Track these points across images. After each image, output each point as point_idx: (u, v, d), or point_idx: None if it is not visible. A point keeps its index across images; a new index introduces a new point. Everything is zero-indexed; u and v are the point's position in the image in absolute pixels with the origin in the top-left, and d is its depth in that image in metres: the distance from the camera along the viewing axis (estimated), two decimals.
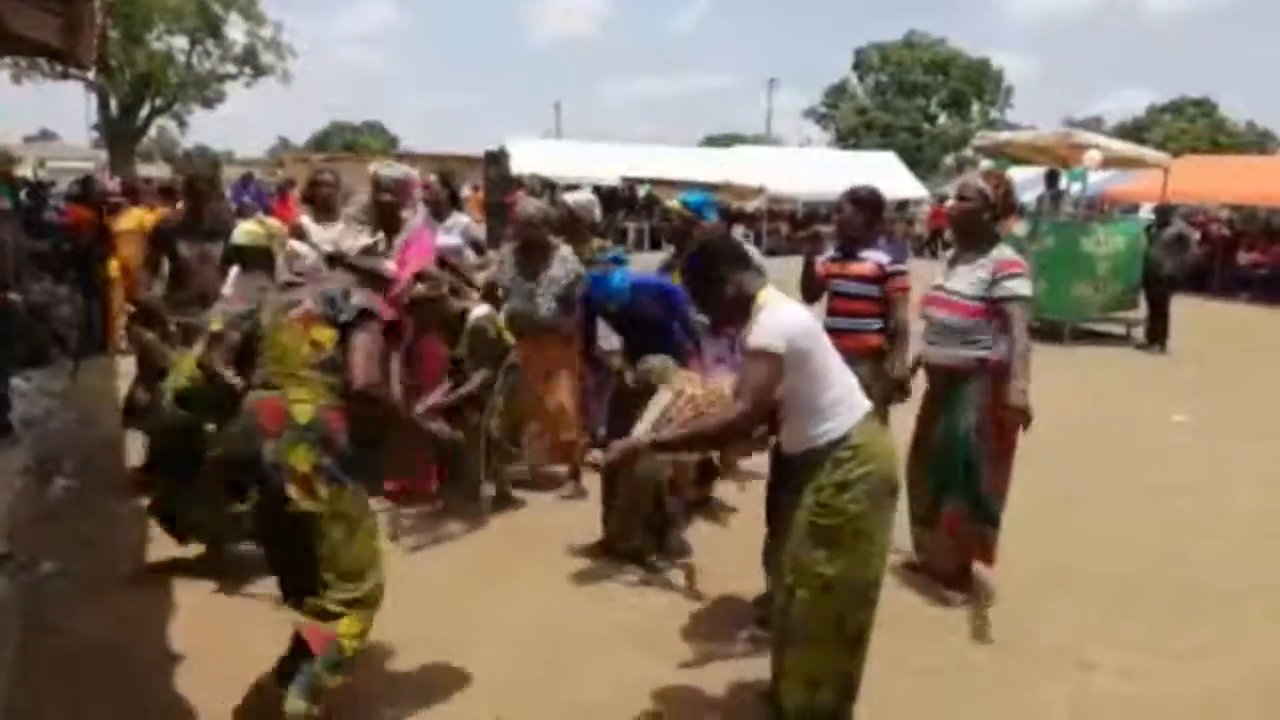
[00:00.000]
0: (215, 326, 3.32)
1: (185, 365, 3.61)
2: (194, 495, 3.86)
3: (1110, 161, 12.72)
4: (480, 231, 6.53)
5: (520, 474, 5.35)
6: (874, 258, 4.12)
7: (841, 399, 2.78)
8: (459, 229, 5.84)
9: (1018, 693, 3.35)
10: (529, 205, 5.42)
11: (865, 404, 2.83)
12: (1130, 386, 9.21)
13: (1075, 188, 12.53)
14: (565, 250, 5.12)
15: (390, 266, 3.33)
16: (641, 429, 3.00)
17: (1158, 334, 11.23)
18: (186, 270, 4.84)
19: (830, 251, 4.25)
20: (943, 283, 4.06)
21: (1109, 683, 3.44)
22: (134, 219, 8.49)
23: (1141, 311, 11.69)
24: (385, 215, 4.68)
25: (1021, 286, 3.84)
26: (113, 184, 10.28)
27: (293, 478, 2.71)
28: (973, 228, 4.04)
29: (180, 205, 5.71)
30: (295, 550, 2.79)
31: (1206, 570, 4.45)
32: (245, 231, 4.19)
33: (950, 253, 4.32)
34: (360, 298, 2.92)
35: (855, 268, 4.10)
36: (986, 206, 3.99)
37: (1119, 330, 12.03)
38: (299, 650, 2.80)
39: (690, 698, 3.24)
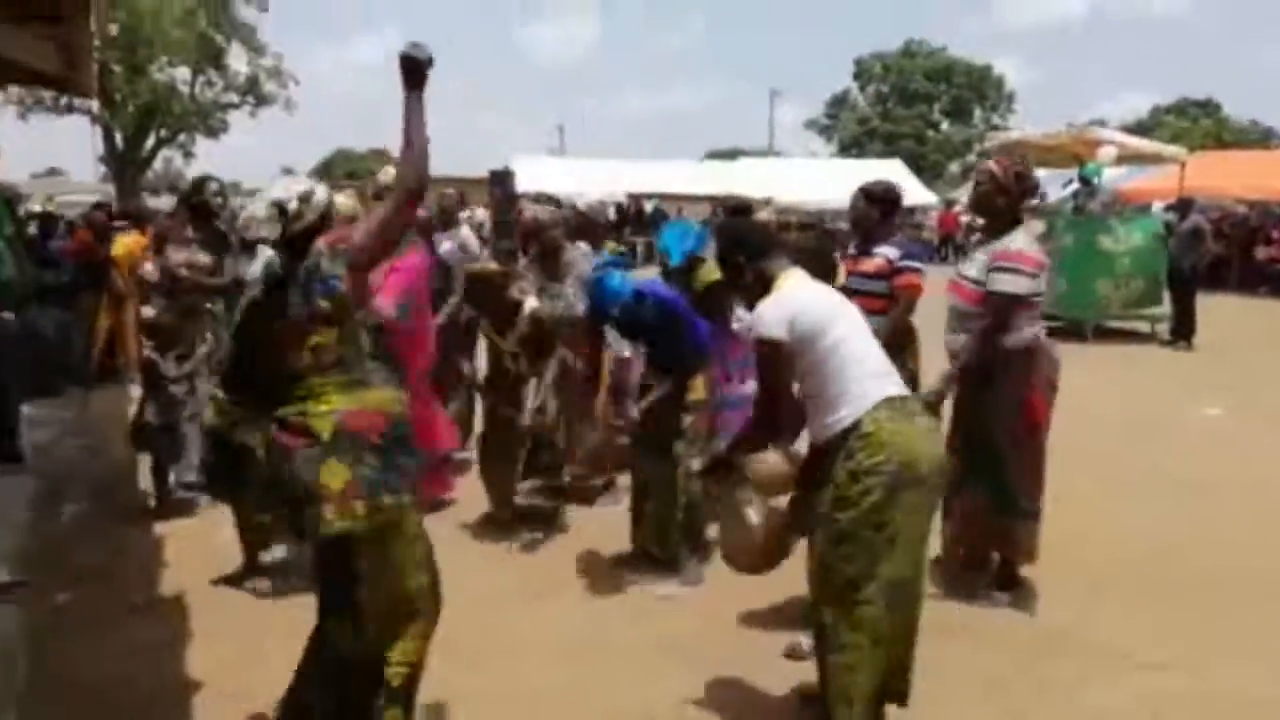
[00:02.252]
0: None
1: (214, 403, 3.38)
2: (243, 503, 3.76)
3: (1125, 157, 12.56)
4: (473, 244, 6.49)
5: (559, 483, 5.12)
6: (883, 253, 4.00)
7: (852, 386, 2.61)
8: (459, 240, 5.88)
9: (1090, 696, 3.19)
10: (537, 210, 5.30)
11: (883, 391, 2.63)
12: (1159, 382, 9.02)
13: (1093, 182, 12.36)
14: (583, 247, 5.03)
15: None
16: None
17: (1183, 330, 11.04)
18: (172, 276, 4.70)
19: (850, 249, 4.17)
20: (962, 269, 3.95)
21: (1181, 682, 3.27)
22: (122, 246, 8.34)
23: (1166, 308, 11.51)
24: None
25: (1006, 283, 3.66)
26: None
27: (328, 496, 2.41)
28: (989, 211, 3.91)
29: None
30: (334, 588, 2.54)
31: (1255, 563, 4.28)
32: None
33: (975, 238, 4.20)
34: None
35: (866, 263, 4.00)
36: (998, 188, 3.83)
37: (1143, 328, 11.85)
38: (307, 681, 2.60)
39: (725, 711, 3.10)
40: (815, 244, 4.46)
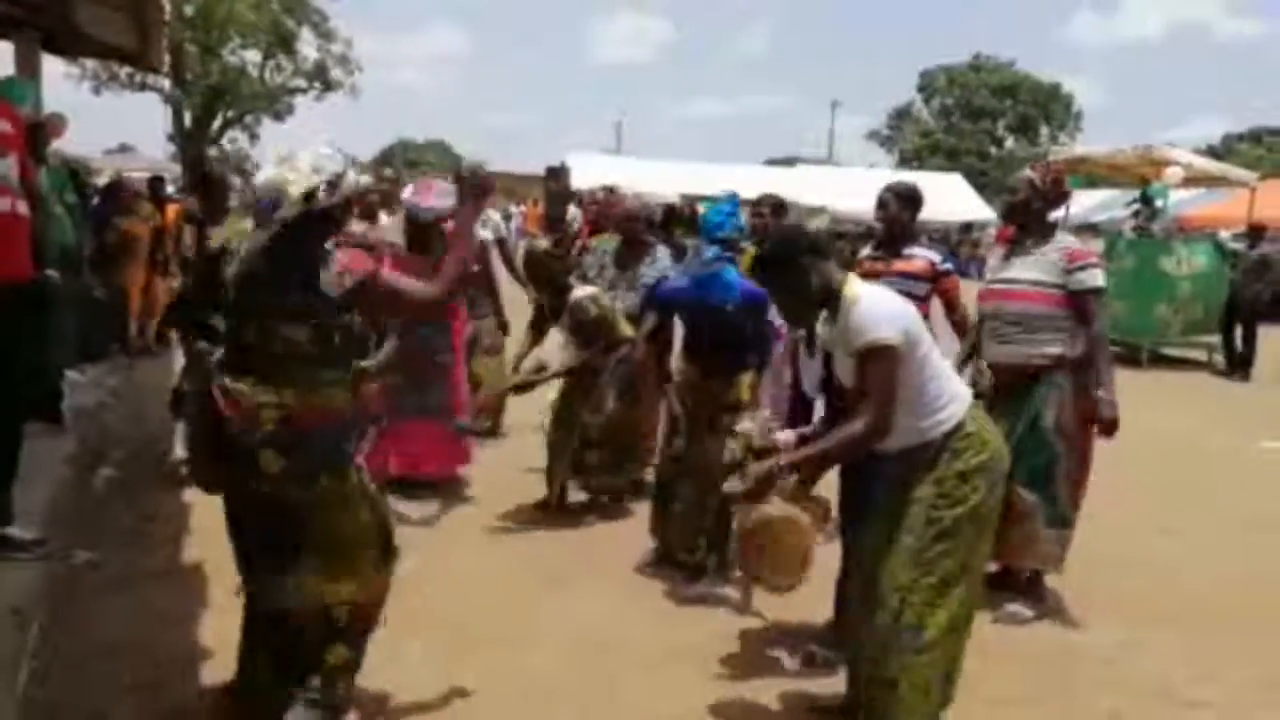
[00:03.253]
0: None
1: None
2: None
3: (1191, 180, 12.17)
4: (505, 229, 6.89)
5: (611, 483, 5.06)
6: (925, 255, 3.98)
7: (948, 386, 2.62)
8: (489, 225, 6.10)
9: None
10: (631, 201, 5.27)
11: (968, 390, 2.71)
12: (1216, 412, 8.73)
13: (1157, 205, 12.02)
14: (663, 253, 5.03)
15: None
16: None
17: (1241, 360, 10.66)
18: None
19: (867, 250, 4.11)
20: (1002, 274, 3.84)
21: None
22: (172, 213, 8.49)
23: (1215, 337, 11.15)
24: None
25: (1096, 278, 3.64)
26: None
27: (265, 473, 2.44)
28: (1026, 218, 3.83)
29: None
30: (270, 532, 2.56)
31: None
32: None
33: (998, 248, 4.10)
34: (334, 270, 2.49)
35: (901, 265, 3.92)
36: (1036, 195, 3.78)
37: (1199, 355, 11.47)
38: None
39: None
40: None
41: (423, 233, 4.93)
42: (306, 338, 2.45)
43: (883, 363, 2.49)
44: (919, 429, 2.58)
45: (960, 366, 4.05)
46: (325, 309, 2.46)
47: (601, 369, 4.66)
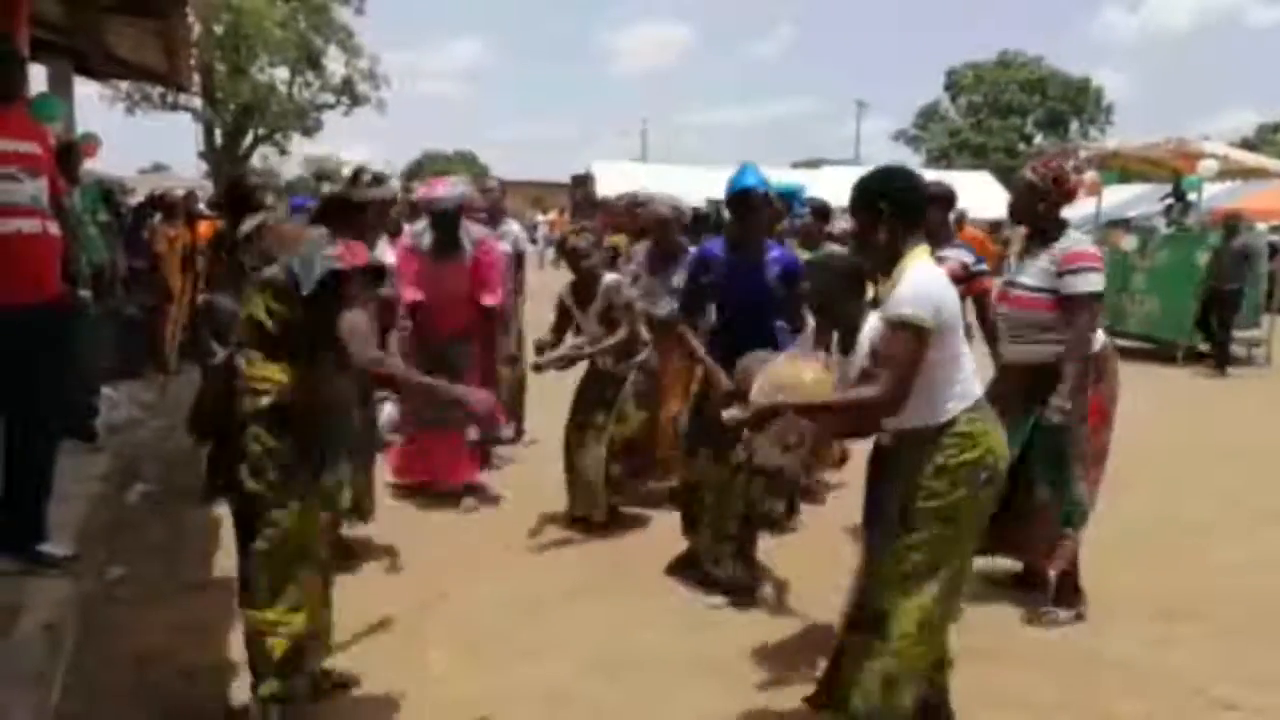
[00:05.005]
0: None
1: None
2: None
3: (1228, 172, 11.93)
4: (525, 242, 6.87)
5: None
6: (957, 256, 3.92)
7: (957, 384, 2.55)
8: (510, 237, 6.15)
9: None
10: (663, 206, 5.28)
11: (977, 392, 2.61)
12: (1254, 408, 8.54)
13: (1190, 199, 11.81)
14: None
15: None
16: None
17: (1219, 355, 10.35)
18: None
19: None
20: (1013, 277, 3.79)
21: None
22: (204, 229, 8.59)
23: (1263, 331, 10.91)
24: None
25: (1083, 283, 3.53)
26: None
27: (246, 456, 2.63)
28: (1029, 218, 3.76)
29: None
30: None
31: None
32: None
33: (1018, 248, 4.02)
34: (326, 259, 2.64)
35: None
36: (1036, 195, 3.69)
37: (1238, 350, 11.25)
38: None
39: None
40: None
41: (450, 228, 4.95)
42: (285, 314, 2.64)
43: (908, 339, 2.44)
44: (918, 416, 2.53)
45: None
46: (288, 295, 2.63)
47: (624, 378, 4.66)
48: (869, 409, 2.54)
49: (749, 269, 3.92)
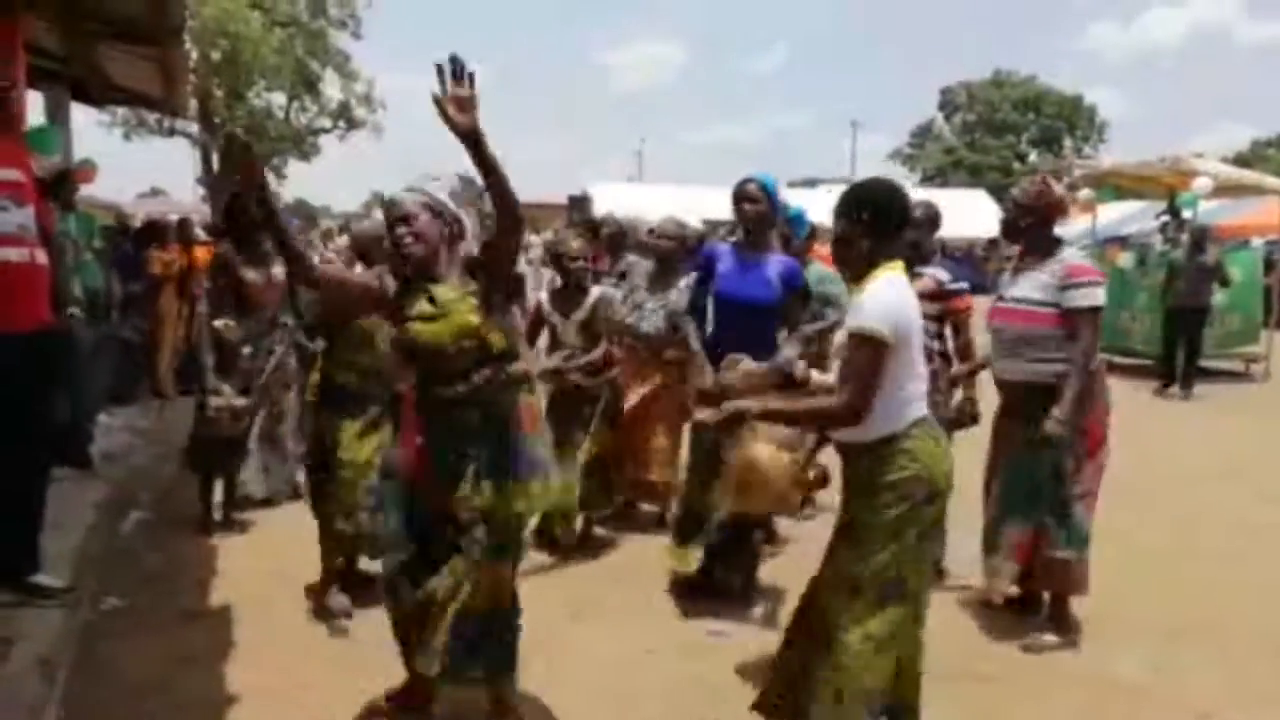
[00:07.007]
0: None
1: None
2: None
3: (1223, 189, 11.95)
4: (522, 264, 6.72)
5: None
6: (932, 274, 3.96)
7: (904, 399, 2.53)
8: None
9: None
10: (670, 224, 5.28)
11: (921, 410, 2.58)
12: (1254, 425, 8.52)
13: (1185, 216, 11.83)
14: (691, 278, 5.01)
15: None
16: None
17: (1184, 375, 9.99)
18: (255, 296, 4.77)
19: None
20: (1006, 292, 3.77)
21: None
22: (202, 255, 8.54)
23: (1262, 347, 10.90)
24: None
25: (1088, 297, 3.54)
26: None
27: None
28: (1021, 236, 3.77)
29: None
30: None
31: None
32: None
33: (1010, 263, 4.01)
34: None
35: (914, 284, 3.87)
36: (1023, 212, 3.71)
37: (1236, 367, 11.25)
38: None
39: None
40: None
41: None
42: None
43: (866, 350, 2.46)
44: (862, 429, 2.52)
45: (950, 388, 4.09)
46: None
47: (597, 395, 4.63)
48: (831, 416, 2.57)
49: (751, 266, 4.00)
